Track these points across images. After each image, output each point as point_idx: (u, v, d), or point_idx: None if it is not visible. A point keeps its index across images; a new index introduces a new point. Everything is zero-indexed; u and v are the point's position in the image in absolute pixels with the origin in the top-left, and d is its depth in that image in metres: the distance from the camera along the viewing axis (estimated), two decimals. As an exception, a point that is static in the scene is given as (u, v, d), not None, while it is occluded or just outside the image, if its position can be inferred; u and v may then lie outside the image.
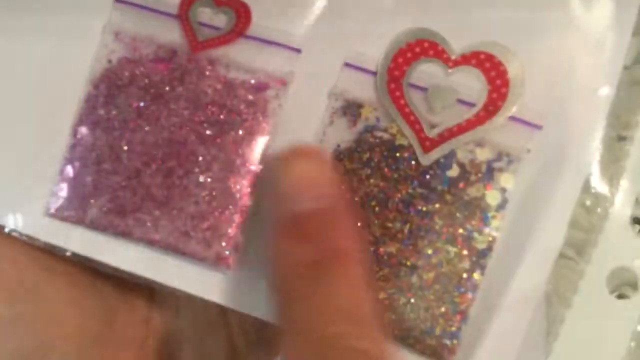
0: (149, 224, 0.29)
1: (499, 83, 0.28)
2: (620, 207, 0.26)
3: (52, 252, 0.30)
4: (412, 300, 0.27)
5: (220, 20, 0.30)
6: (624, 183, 0.26)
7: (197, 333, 0.33)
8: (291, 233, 0.24)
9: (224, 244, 0.29)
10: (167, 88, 0.30)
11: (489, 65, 0.28)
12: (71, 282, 0.30)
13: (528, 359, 0.26)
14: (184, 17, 0.30)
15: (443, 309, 0.27)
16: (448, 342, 0.27)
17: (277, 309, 0.24)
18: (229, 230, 0.29)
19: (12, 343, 0.28)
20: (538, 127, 0.27)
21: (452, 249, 0.27)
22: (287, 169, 0.24)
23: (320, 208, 0.24)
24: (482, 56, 0.28)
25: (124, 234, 0.29)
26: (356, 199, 0.28)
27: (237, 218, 0.29)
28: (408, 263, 0.27)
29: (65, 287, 0.30)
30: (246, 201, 0.29)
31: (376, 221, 0.28)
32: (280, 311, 0.24)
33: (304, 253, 0.23)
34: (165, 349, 0.32)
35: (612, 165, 0.26)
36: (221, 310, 0.32)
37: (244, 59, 0.30)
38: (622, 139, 0.26)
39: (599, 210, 0.26)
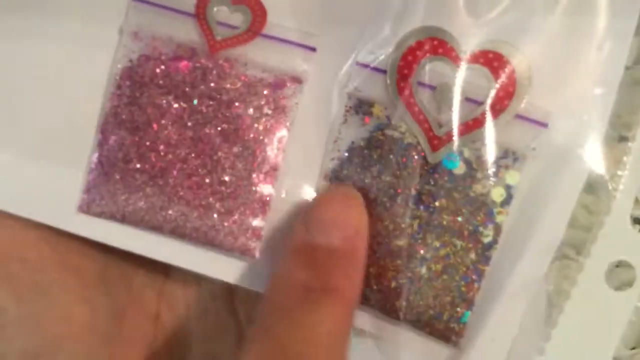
0: (178, 220, 0.31)
1: (506, 82, 0.29)
2: (621, 204, 0.27)
3: (60, 251, 0.30)
4: (422, 290, 0.30)
5: (237, 18, 0.31)
6: (625, 181, 0.27)
7: (206, 331, 0.34)
8: (298, 257, 0.25)
9: (249, 235, 0.31)
10: (189, 87, 0.32)
11: (497, 64, 0.29)
12: (80, 281, 0.31)
13: (528, 343, 0.28)
14: (201, 16, 0.31)
15: (450, 298, 0.29)
16: (455, 326, 0.30)
17: (256, 318, 0.26)
18: (254, 223, 0.31)
19: (20, 342, 0.28)
20: (543, 126, 0.28)
21: (459, 243, 0.29)
22: (320, 202, 0.26)
23: (334, 246, 0.25)
24: (490, 55, 0.29)
25: (155, 229, 0.31)
26: (370, 195, 0.30)
27: (260, 211, 0.31)
28: (418, 256, 0.30)
29: (75, 286, 0.30)
30: (269, 195, 0.31)
31: (388, 216, 0.30)
32: (257, 321, 0.26)
33: (301, 276, 0.25)
34: (174, 347, 0.33)
35: (614, 164, 0.27)
36: (231, 307, 0.34)
37: (261, 58, 0.31)
38: (623, 139, 0.27)
39: (600, 207, 0.27)
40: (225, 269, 0.31)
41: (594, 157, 0.28)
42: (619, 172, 0.27)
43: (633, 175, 0.27)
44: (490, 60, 0.29)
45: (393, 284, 0.30)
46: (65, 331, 0.29)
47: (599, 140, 0.28)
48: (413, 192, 0.30)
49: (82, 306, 0.30)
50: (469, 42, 0.29)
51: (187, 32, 0.31)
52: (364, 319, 0.31)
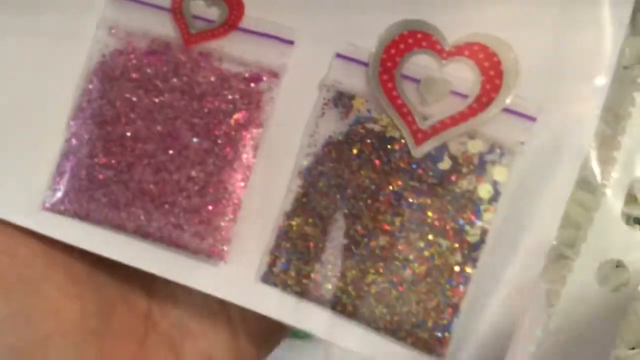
0: (142, 217, 0.29)
1: (492, 74, 0.27)
2: (611, 200, 0.26)
3: (50, 246, 0.30)
4: (404, 294, 0.27)
5: (213, 12, 0.30)
6: (615, 176, 0.26)
7: (198, 326, 0.32)
8: None
9: (217, 237, 0.29)
10: (161, 80, 0.30)
11: (483, 56, 0.28)
12: (69, 277, 0.30)
13: (518, 350, 0.26)
14: (177, 10, 0.30)
15: (435, 303, 0.27)
16: (440, 334, 0.27)
17: None
18: (223, 224, 0.29)
19: (9, 338, 0.28)
20: (532, 119, 0.27)
21: (444, 242, 0.27)
22: None
23: None
24: (476, 47, 0.28)
25: (119, 227, 0.29)
26: (349, 190, 0.28)
27: (230, 211, 0.29)
28: (400, 256, 0.27)
29: (64, 281, 0.30)
30: (240, 194, 0.29)
31: (368, 214, 0.28)
32: None
33: None
34: (166, 343, 0.32)
35: (605, 158, 0.26)
36: (223, 304, 0.32)
37: (237, 51, 0.30)
38: (615, 134, 0.26)
39: (590, 203, 0.26)
40: (190, 273, 0.29)
41: (585, 151, 0.26)
42: (610, 168, 0.26)
43: (623, 169, 0.26)
44: (476, 52, 0.28)
45: (373, 289, 0.27)
46: (55, 327, 0.29)
47: (592, 134, 0.26)
48: (395, 188, 0.28)
49: (71, 302, 0.29)
50: (454, 34, 0.28)
51: (162, 27, 0.30)
52: (342, 332, 0.28)
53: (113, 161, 0.30)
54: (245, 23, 0.30)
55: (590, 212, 0.26)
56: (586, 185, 0.26)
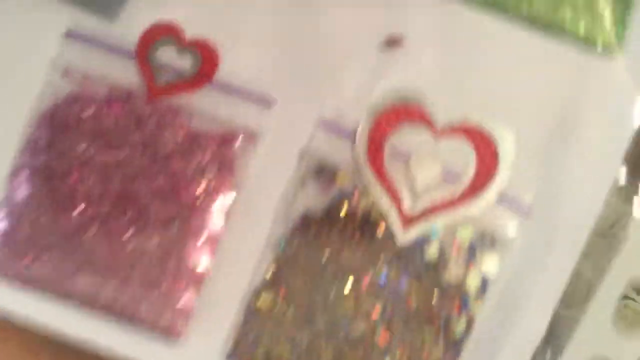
0: (91, 287, 0.26)
1: (487, 160, 0.26)
2: (602, 300, 0.25)
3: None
4: (382, 388, 0.25)
5: (185, 62, 0.27)
6: (609, 279, 0.25)
7: None
8: None
9: (176, 312, 0.26)
10: (121, 134, 0.27)
11: (479, 139, 0.26)
12: (23, 347, 0.28)
13: None
14: (142, 57, 0.27)
15: (415, 398, 0.25)
16: None
17: None
18: (183, 298, 0.26)
19: None
20: (526, 212, 0.26)
21: (428, 333, 0.25)
22: None
23: None
24: (472, 128, 0.26)
25: (64, 296, 0.26)
26: (327, 270, 0.26)
27: (192, 284, 0.26)
28: (380, 345, 0.25)
29: (18, 351, 0.28)
30: (205, 266, 0.26)
31: (347, 298, 0.26)
32: None
33: None
34: None
35: (601, 257, 0.25)
36: None
37: (209, 108, 0.27)
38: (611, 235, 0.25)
39: (580, 302, 0.25)
40: (145, 350, 0.26)
41: (584, 242, 0.25)
42: (605, 267, 0.25)
43: (619, 274, 0.25)
44: (472, 133, 0.26)
45: (349, 381, 0.25)
46: None
47: (586, 232, 0.25)
48: (379, 272, 0.26)
49: None
50: (449, 110, 0.26)
51: (125, 73, 0.27)
52: None
53: (60, 223, 0.26)
54: (220, 76, 0.27)
55: (577, 312, 0.24)
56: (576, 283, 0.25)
